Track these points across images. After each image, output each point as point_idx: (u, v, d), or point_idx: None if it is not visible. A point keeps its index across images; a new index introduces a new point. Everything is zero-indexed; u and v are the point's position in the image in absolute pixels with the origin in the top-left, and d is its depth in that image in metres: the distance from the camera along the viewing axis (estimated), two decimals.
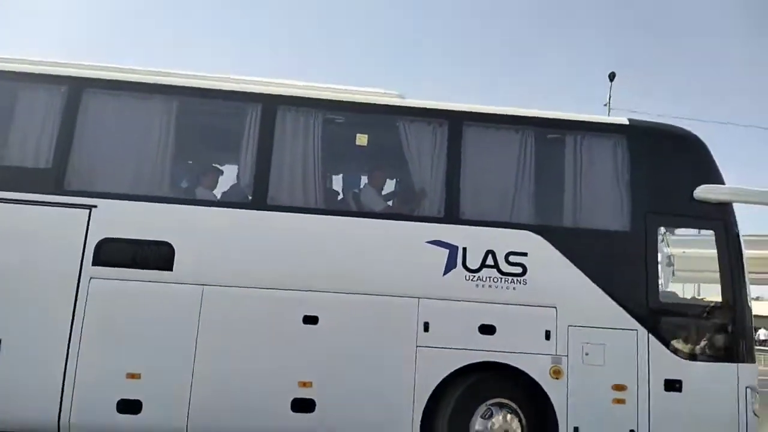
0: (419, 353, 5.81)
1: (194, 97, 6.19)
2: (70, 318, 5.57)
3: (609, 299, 6.05)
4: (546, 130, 6.49)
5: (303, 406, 5.63)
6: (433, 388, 5.78)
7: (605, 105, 22.35)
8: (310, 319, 5.76)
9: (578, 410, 5.84)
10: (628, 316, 6.03)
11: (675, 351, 6.04)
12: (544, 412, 5.91)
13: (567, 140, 6.42)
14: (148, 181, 5.96)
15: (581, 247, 6.16)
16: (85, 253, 5.68)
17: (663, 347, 6.02)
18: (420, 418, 5.73)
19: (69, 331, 5.54)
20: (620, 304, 6.04)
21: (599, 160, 6.41)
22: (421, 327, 5.85)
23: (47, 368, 5.50)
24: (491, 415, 5.87)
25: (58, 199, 5.75)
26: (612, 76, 22.41)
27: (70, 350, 5.52)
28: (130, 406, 5.49)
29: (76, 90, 6.01)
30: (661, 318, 6.10)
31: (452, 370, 5.82)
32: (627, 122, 6.66)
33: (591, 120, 6.61)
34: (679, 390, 5.92)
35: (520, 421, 5.92)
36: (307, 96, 6.28)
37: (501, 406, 5.94)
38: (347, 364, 5.73)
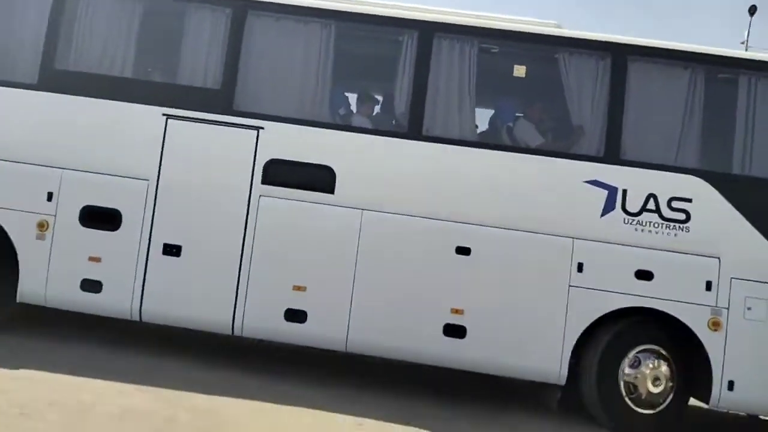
0: (572, 292, 5.78)
1: (351, 22, 6.23)
2: (243, 231, 5.93)
3: None
4: (717, 68, 6.08)
5: (455, 331, 5.79)
6: (584, 328, 5.76)
7: (742, 43, 20.34)
8: (463, 250, 5.84)
9: (735, 364, 5.65)
10: None
11: None
12: (695, 363, 5.77)
13: (740, 81, 6.00)
14: (310, 105, 6.12)
15: (750, 197, 5.83)
16: (255, 172, 5.97)
17: None
18: (569, 356, 5.75)
19: (242, 243, 5.91)
20: None
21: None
22: (575, 267, 5.79)
23: (223, 275, 5.92)
24: (640, 363, 5.79)
25: (229, 119, 6.05)
26: (753, 10, 19.91)
27: (242, 260, 5.91)
28: (296, 316, 5.84)
29: (241, 12, 6.18)
30: None
31: (604, 313, 5.77)
32: None
33: (760, 58, 6.10)
34: None
35: (669, 367, 5.81)
36: (464, 23, 6.16)
37: (652, 352, 5.84)
38: (499, 296, 5.80)
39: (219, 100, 6.10)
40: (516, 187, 5.94)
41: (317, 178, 5.99)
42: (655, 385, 5.77)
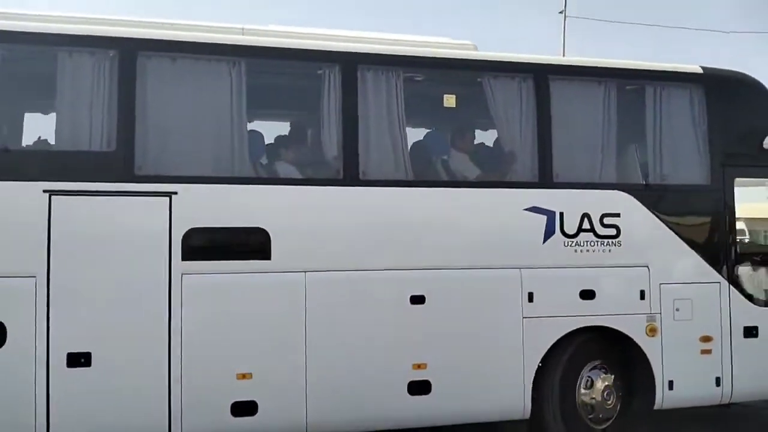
0: (525, 324, 5.72)
1: (264, 58, 5.44)
2: (166, 320, 4.99)
3: (695, 254, 6.15)
4: (626, 81, 6.28)
5: (420, 388, 5.45)
6: (541, 358, 5.75)
7: (560, 12, 21.87)
8: (417, 299, 5.49)
9: (671, 364, 6.01)
10: (711, 269, 6.18)
11: (750, 299, 6.30)
12: (635, 370, 6.06)
13: (646, 92, 6.26)
14: (229, 158, 5.27)
15: (666, 204, 6.16)
16: (172, 247, 5.02)
17: (741, 296, 6.25)
18: (531, 389, 5.72)
19: (167, 335, 4.98)
20: (704, 259, 6.17)
21: (677, 112, 6.31)
22: (526, 297, 5.73)
23: (148, 376, 4.97)
24: (592, 383, 5.95)
25: (131, 187, 5.00)
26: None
27: (171, 354, 4.99)
28: (245, 408, 5.09)
29: (130, 54, 5.09)
30: (739, 268, 6.30)
31: (556, 339, 5.79)
32: (701, 70, 6.52)
33: (666, 69, 6.43)
34: (756, 336, 6.22)
35: (614, 378, 6.04)
36: (388, 53, 5.67)
37: (599, 368, 6.02)
38: (458, 341, 5.56)
39: (115, 164, 4.99)
40: (460, 223, 5.68)
41: (249, 244, 5.22)
42: (607, 400, 5.97)
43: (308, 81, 5.59)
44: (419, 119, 6.19)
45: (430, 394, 5.47)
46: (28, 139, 5.38)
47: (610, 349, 6.04)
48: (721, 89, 6.40)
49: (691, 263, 6.15)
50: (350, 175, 5.44)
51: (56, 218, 4.84)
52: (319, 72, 5.50)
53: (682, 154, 6.30)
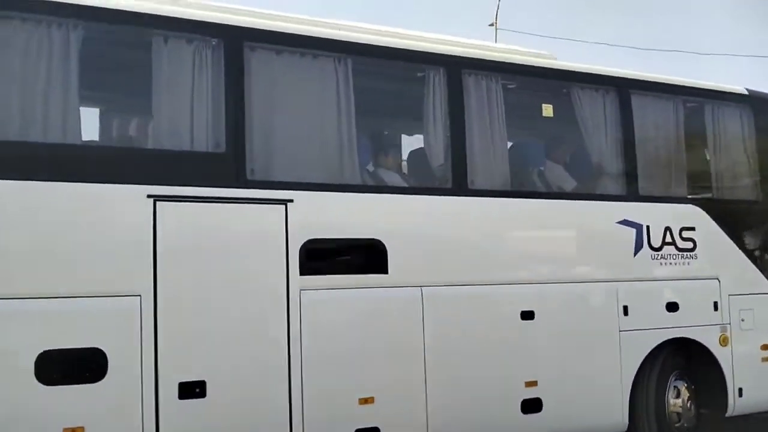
0: (622, 337, 5.66)
1: (376, 57, 5.09)
2: (286, 343, 4.44)
3: (753, 266, 6.40)
4: (689, 98, 6.47)
5: (532, 406, 5.22)
6: (636, 371, 5.71)
7: (491, 25, 22.27)
8: (527, 314, 5.28)
9: (740, 373, 6.16)
10: (766, 280, 6.46)
11: None
12: (708, 379, 6.17)
13: (705, 109, 6.48)
14: (341, 165, 4.83)
15: (732, 218, 6.37)
16: (290, 261, 4.50)
17: None
18: (628, 402, 5.65)
19: (287, 359, 4.43)
20: (761, 270, 6.44)
21: (730, 129, 6.59)
22: (621, 311, 5.68)
23: (267, 407, 4.41)
24: (679, 392, 6.00)
25: (243, 193, 4.45)
26: None
27: (291, 382, 4.44)
28: None
29: (238, 45, 4.57)
30: None
31: (649, 351, 5.79)
32: (747, 92, 6.84)
33: (718, 89, 6.69)
34: None
35: (690, 387, 6.13)
36: (491, 59, 5.49)
37: (679, 377, 6.09)
38: (565, 357, 5.40)
39: (226, 168, 4.43)
40: (561, 236, 5.56)
41: (366, 256, 4.79)
42: (689, 408, 6.04)
43: (416, 84, 5.26)
44: (516, 128, 6.02)
45: (542, 412, 5.25)
46: (121, 135, 4.64)
47: (687, 359, 6.11)
48: (765, 109, 6.74)
49: (752, 275, 6.39)
50: (459, 185, 5.16)
51: (162, 227, 4.19)
52: (426, 75, 5.20)
53: (740, 171, 6.57)
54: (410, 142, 5.55)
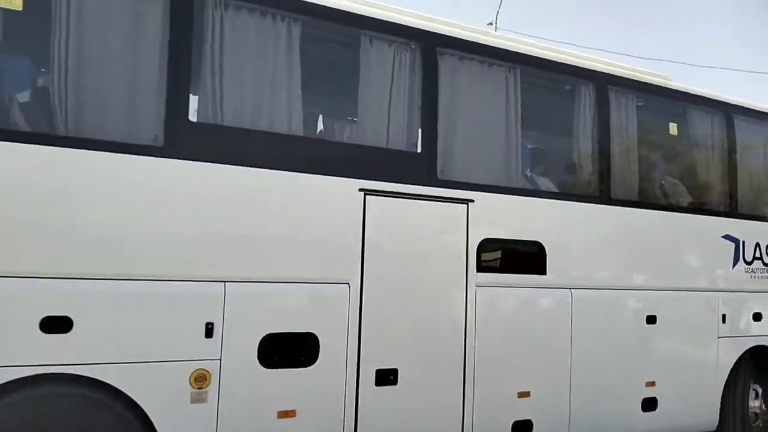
0: (720, 343, 6.13)
1: (534, 68, 5.32)
2: (462, 335, 4.67)
3: None
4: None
5: (650, 405, 5.62)
6: (726, 375, 6.20)
7: (490, 24, 22.49)
8: (651, 319, 5.67)
9: None
10: None
11: None
12: None
13: None
14: (511, 169, 5.07)
15: None
16: (468, 258, 4.73)
17: None
18: (719, 402, 6.13)
19: (463, 351, 4.67)
20: None
21: None
22: (720, 319, 6.15)
23: (446, 396, 4.62)
24: (757, 395, 6.53)
25: (434, 191, 4.64)
26: None
27: (466, 373, 4.68)
28: (522, 428, 4.92)
29: (432, 50, 4.74)
30: None
31: (738, 356, 6.28)
32: None
33: None
34: None
35: (763, 392, 6.68)
36: (631, 77, 5.81)
37: (754, 381, 6.62)
38: (678, 361, 5.82)
39: (421, 167, 4.60)
40: (680, 246, 5.96)
41: (529, 257, 5.06)
42: (764, 409, 6.60)
43: (567, 96, 5.53)
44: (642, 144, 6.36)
45: (656, 411, 5.66)
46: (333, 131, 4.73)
47: (757, 365, 6.64)
48: None
49: None
50: (605, 194, 5.49)
51: (370, 220, 4.35)
52: (575, 88, 5.49)
53: None
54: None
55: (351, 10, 4.50)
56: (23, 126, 3.63)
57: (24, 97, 3.70)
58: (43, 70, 3.76)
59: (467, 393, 4.68)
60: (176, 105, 3.83)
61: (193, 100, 3.96)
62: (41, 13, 3.56)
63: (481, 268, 4.79)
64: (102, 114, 3.71)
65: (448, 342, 4.65)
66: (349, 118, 4.95)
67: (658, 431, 5.76)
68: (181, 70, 3.86)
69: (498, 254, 4.93)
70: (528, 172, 5.52)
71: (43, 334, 3.42)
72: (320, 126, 5.00)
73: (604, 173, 5.51)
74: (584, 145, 5.52)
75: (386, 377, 4.37)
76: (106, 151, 3.65)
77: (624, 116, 5.69)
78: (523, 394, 4.94)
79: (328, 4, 4.42)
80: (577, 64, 5.52)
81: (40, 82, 3.90)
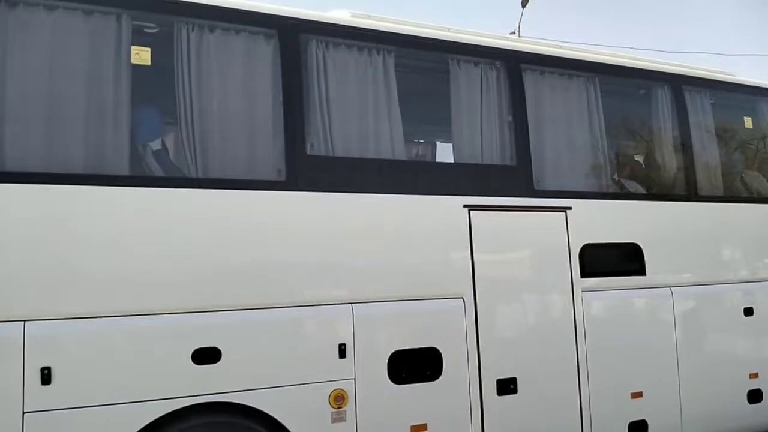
0: None
1: (611, 76, 5.45)
2: (574, 341, 4.77)
3: None
4: None
5: (754, 396, 5.60)
6: None
7: (512, 33, 22.53)
8: (748, 311, 5.67)
9: None
10: None
11: None
12: None
13: None
14: (604, 175, 5.21)
15: None
16: (572, 264, 4.84)
17: None
18: None
19: (575, 355, 4.76)
20: None
21: None
22: None
23: (563, 403, 4.71)
24: None
25: (533, 202, 4.78)
26: (525, 2, 21.35)
27: (580, 377, 4.76)
28: (638, 428, 4.96)
29: (516, 68, 4.92)
30: None
31: None
32: None
33: None
34: None
35: None
36: (704, 77, 5.91)
37: None
38: None
39: (517, 179, 4.76)
40: (766, 237, 5.97)
41: (627, 259, 5.14)
42: None
43: (645, 99, 5.65)
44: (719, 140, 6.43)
45: (762, 402, 5.63)
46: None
47: None
48: None
49: None
50: (692, 191, 5.56)
51: (476, 234, 4.50)
52: (652, 91, 5.61)
53: None
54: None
55: (439, 37, 4.72)
56: (159, 172, 3.90)
57: (156, 145, 3.95)
58: (170, 119, 4.00)
59: (583, 397, 4.76)
60: (294, 141, 4.06)
61: (309, 135, 4.17)
62: (167, 67, 3.83)
63: (585, 273, 4.88)
64: (230, 155, 3.95)
65: (560, 348, 4.74)
66: (447, 140, 5.12)
67: (763, 424, 5.73)
68: (296, 109, 4.09)
69: (599, 258, 5.01)
70: (617, 177, 5.62)
71: (195, 365, 3.62)
72: (421, 149, 5.18)
73: (689, 171, 5.59)
74: (666, 145, 5.62)
75: (506, 386, 4.47)
76: (236, 189, 3.88)
77: (701, 114, 5.78)
78: (636, 395, 4.98)
79: (418, 34, 4.65)
80: (651, 68, 5.64)
81: (169, 130, 4.16)
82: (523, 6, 20.79)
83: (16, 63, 3.50)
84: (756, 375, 5.63)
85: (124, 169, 3.70)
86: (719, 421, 5.43)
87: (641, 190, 5.61)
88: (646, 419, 5.01)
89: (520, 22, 22.27)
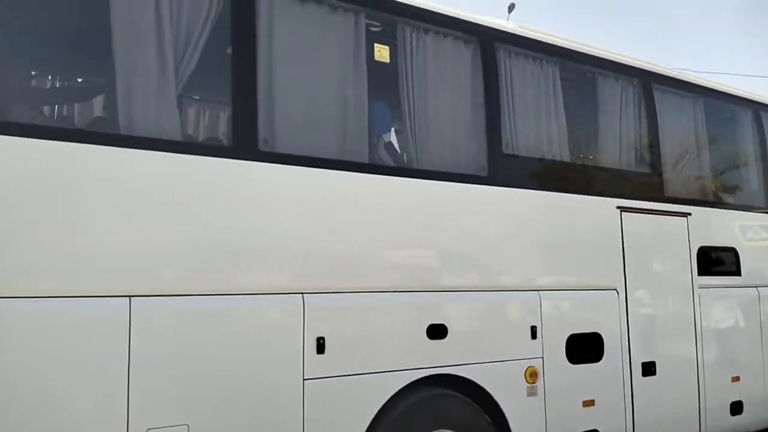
0: None
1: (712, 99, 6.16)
2: (693, 331, 5.39)
3: None
4: None
5: None
6: None
7: None
8: None
9: None
10: None
11: None
12: None
13: None
14: (715, 185, 5.96)
15: None
16: (692, 264, 5.46)
17: None
18: None
19: (695, 345, 5.38)
20: None
21: None
22: None
23: (690, 383, 5.33)
24: None
25: (663, 207, 5.38)
26: (511, 8, 22.34)
27: (698, 364, 5.38)
28: (736, 408, 5.63)
29: (648, 85, 5.52)
30: None
31: None
32: None
33: None
34: None
35: None
36: None
37: None
38: None
39: (653, 186, 5.35)
40: None
41: (728, 261, 5.81)
42: None
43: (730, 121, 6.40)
44: None
45: None
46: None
47: None
48: None
49: None
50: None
51: (626, 233, 5.04)
52: (737, 116, 6.36)
53: None
54: None
55: (592, 53, 5.24)
56: (388, 162, 4.23)
57: (387, 137, 4.27)
58: (400, 113, 4.31)
59: (700, 380, 5.37)
60: (493, 140, 4.47)
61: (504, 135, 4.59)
62: (404, 66, 4.17)
63: (701, 272, 5.52)
64: (445, 151, 4.33)
65: (686, 337, 5.34)
66: (597, 146, 5.62)
67: None
68: (494, 111, 4.51)
69: (710, 259, 5.67)
70: (723, 189, 6.32)
71: (429, 340, 3.96)
72: (582, 154, 5.66)
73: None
74: (752, 163, 6.36)
75: (649, 369, 5.03)
76: (450, 181, 4.26)
77: None
78: (735, 379, 5.65)
79: (577, 49, 5.17)
80: (738, 95, 6.38)
81: (398, 124, 4.47)
82: (509, 11, 21.83)
83: (287, 54, 3.75)
84: None
85: (364, 157, 4.02)
86: None
87: (740, 202, 6.32)
88: (742, 400, 5.68)
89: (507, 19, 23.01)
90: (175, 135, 3.45)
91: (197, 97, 4.98)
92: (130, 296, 3.11)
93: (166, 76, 3.37)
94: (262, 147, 3.58)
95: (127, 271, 3.13)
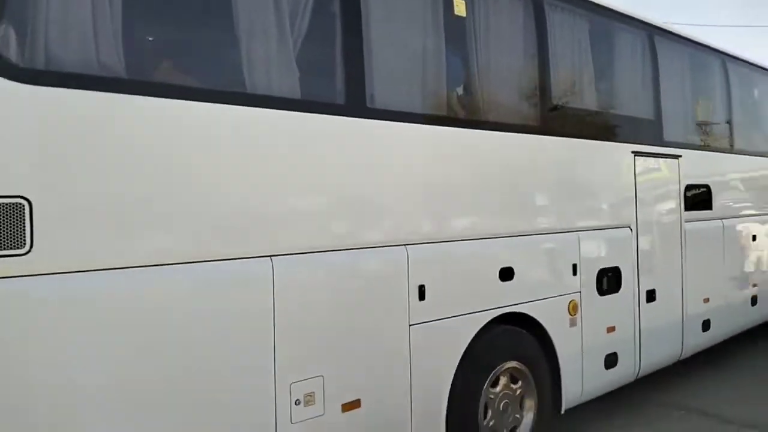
0: None
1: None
2: (680, 260, 6.10)
3: None
4: None
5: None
6: None
7: None
8: None
9: None
10: None
11: None
12: None
13: None
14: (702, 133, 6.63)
15: None
16: (681, 200, 6.13)
17: None
18: None
19: (681, 272, 6.11)
20: None
21: None
22: None
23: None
24: None
25: (660, 150, 5.94)
26: None
27: (684, 288, 6.13)
28: (706, 325, 6.51)
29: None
30: None
31: None
32: None
33: None
34: None
35: None
36: None
37: None
38: None
39: (656, 131, 5.88)
40: None
41: (705, 199, 6.54)
42: None
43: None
44: None
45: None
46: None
47: None
48: None
49: None
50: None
51: (638, 176, 5.56)
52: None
53: None
54: None
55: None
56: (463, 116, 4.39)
57: (460, 90, 4.38)
58: (467, 67, 4.42)
59: (684, 303, 6.14)
60: (544, 95, 4.74)
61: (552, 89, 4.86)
62: (482, 18, 4.27)
63: (687, 207, 6.19)
64: (507, 103, 4.54)
65: (675, 265, 6.04)
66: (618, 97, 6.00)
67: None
68: (545, 66, 4.76)
69: (693, 196, 6.35)
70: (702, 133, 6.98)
71: (501, 282, 4.30)
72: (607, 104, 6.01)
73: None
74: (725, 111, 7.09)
75: (651, 296, 5.68)
76: (510, 132, 4.51)
77: None
78: (706, 300, 6.50)
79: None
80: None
81: (466, 78, 4.55)
82: None
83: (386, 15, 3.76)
84: None
85: (443, 110, 4.15)
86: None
87: (720, 145, 7.03)
88: (710, 318, 6.56)
89: None
90: (296, 94, 3.42)
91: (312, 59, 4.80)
92: (271, 255, 3.16)
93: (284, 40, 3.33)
94: (369, 104, 3.63)
95: (269, 232, 3.17)
